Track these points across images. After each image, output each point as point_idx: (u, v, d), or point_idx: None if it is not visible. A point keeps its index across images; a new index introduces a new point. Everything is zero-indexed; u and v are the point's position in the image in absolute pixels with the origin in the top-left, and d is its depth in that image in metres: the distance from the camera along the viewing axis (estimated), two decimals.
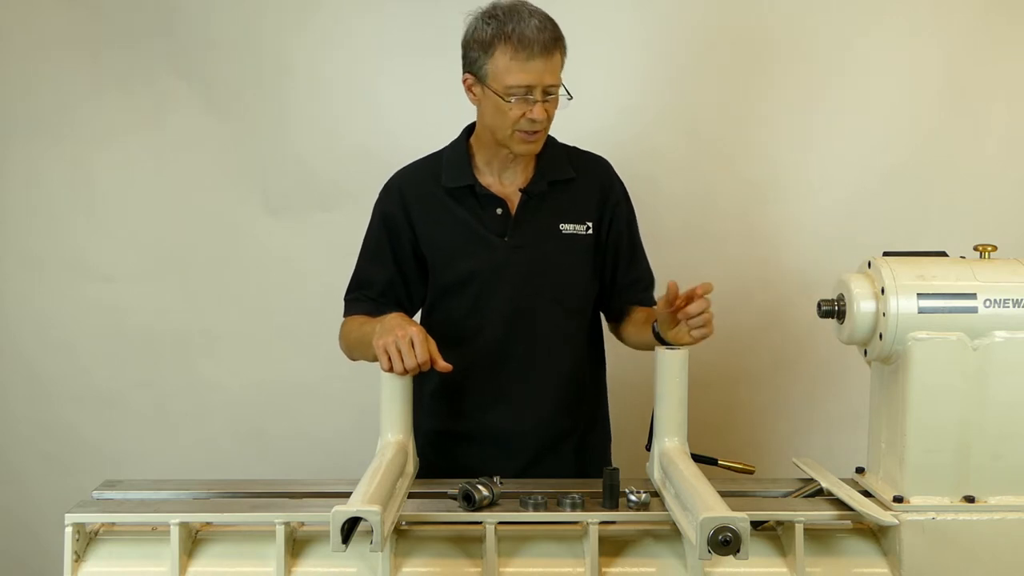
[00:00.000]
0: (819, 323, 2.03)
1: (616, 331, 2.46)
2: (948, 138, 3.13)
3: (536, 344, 2.31)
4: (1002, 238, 2.01)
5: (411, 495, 1.95)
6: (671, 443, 1.98)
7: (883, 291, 1.86)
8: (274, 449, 3.21)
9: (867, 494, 1.94)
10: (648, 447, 2.06)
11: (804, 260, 3.14)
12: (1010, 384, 1.85)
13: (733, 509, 1.63)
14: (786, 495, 2.02)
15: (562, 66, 2.20)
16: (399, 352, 1.99)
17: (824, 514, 1.89)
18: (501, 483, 1.90)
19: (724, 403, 3.17)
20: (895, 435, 1.90)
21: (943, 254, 1.96)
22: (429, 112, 3.05)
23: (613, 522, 1.89)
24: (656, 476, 1.98)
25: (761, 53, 3.15)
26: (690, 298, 2.03)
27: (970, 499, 1.85)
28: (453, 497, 1.89)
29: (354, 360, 2.31)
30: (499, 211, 2.29)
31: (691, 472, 1.85)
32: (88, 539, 1.89)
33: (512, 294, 2.29)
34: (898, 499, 1.86)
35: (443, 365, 2.03)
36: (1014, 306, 1.84)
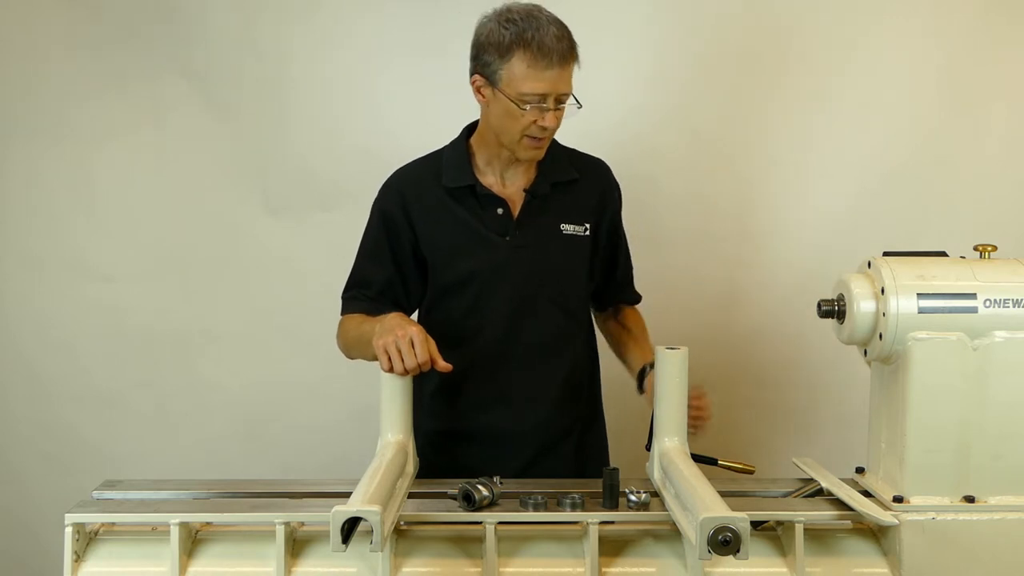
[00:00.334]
0: (819, 323, 2.03)
1: (599, 320, 2.52)
2: (948, 138, 3.14)
3: (536, 344, 2.31)
4: (1002, 238, 2.01)
5: (411, 495, 1.95)
6: (671, 443, 1.98)
7: (883, 291, 1.86)
8: (274, 449, 3.21)
9: (867, 494, 1.94)
10: (648, 447, 2.06)
11: (804, 260, 3.14)
12: (1010, 384, 1.85)
13: (733, 509, 1.63)
14: (786, 495, 2.02)
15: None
16: (399, 352, 1.99)
17: (824, 514, 1.89)
18: (501, 483, 1.90)
19: (724, 403, 3.16)
20: (895, 435, 1.90)
21: (943, 254, 1.95)
22: (429, 112, 3.05)
23: (613, 522, 1.89)
24: (656, 476, 1.98)
25: (761, 53, 3.15)
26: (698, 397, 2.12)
27: (970, 499, 1.85)
28: (453, 497, 1.89)
29: (352, 359, 2.31)
30: (500, 211, 2.29)
31: (691, 472, 1.85)
32: (88, 539, 1.88)
33: (512, 294, 2.29)
34: (898, 499, 1.86)
35: (443, 365, 2.03)
36: (1014, 306, 1.84)
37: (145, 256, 3.21)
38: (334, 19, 3.15)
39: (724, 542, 1.58)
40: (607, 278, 2.44)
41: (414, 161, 2.39)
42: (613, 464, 2.06)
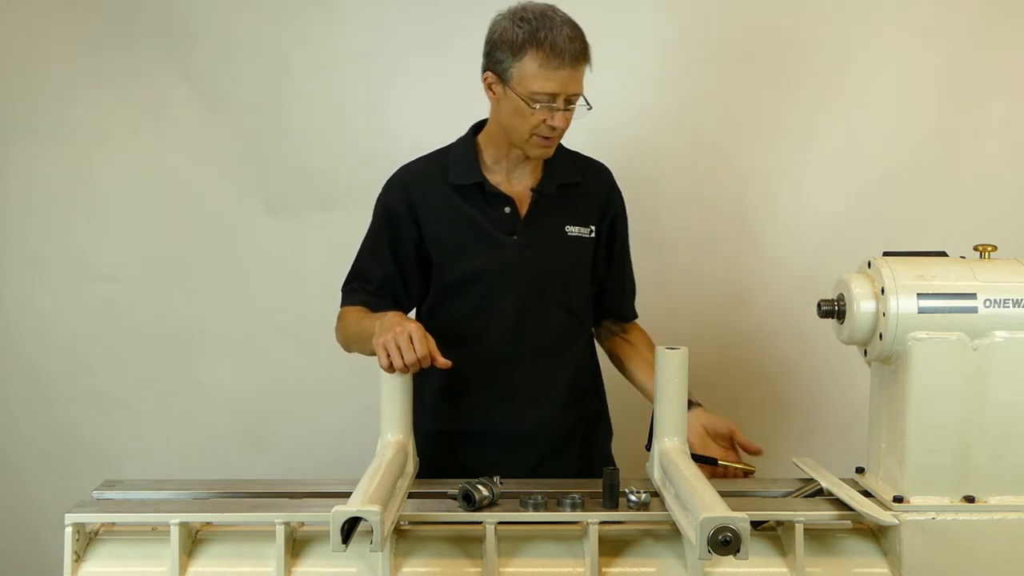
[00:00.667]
0: (819, 323, 2.03)
1: (602, 337, 2.50)
2: (948, 138, 3.13)
3: (541, 344, 2.31)
4: (1002, 238, 2.01)
5: (411, 495, 1.95)
6: (671, 443, 1.98)
7: (883, 291, 1.86)
8: (274, 449, 3.21)
9: (867, 494, 1.93)
10: (648, 447, 2.06)
11: (804, 260, 3.14)
12: (1010, 384, 1.85)
13: (733, 509, 1.62)
14: (786, 495, 2.02)
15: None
16: (398, 349, 1.99)
17: (824, 514, 1.89)
18: (501, 483, 1.90)
19: (724, 403, 3.16)
20: (895, 435, 1.90)
21: (943, 254, 1.95)
22: (429, 112, 3.05)
23: (613, 522, 1.89)
24: (656, 476, 1.98)
25: (761, 54, 3.15)
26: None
27: (970, 499, 1.85)
28: (453, 497, 1.89)
29: (350, 352, 2.30)
30: (507, 210, 2.29)
31: (691, 472, 1.85)
32: (88, 539, 1.88)
33: (518, 294, 2.29)
34: (898, 499, 1.86)
35: (443, 361, 2.02)
36: (1014, 306, 1.84)
37: (145, 256, 3.21)
38: (334, 19, 3.15)
39: (724, 542, 1.58)
40: (606, 284, 2.43)
41: (419, 158, 2.39)
42: (615, 460, 2.07)
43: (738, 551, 1.58)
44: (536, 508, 1.85)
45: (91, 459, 3.14)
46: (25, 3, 3.13)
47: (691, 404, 2.23)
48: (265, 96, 3.17)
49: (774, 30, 3.14)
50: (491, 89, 2.23)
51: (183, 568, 1.84)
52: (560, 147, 2.34)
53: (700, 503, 1.67)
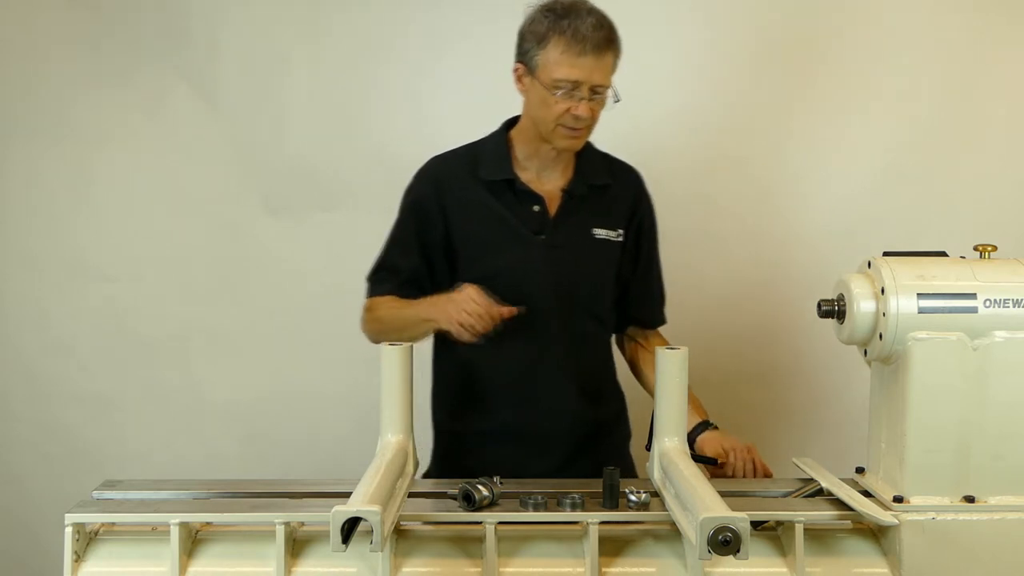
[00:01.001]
0: (819, 323, 2.03)
1: (621, 345, 2.49)
2: (948, 138, 3.13)
3: (564, 345, 2.29)
4: (1002, 238, 2.01)
5: (411, 495, 1.95)
6: (671, 443, 1.98)
7: (883, 291, 1.86)
8: (274, 449, 3.21)
9: (867, 494, 1.93)
10: (648, 447, 2.06)
11: (804, 260, 3.14)
12: (1010, 384, 1.85)
13: (733, 509, 1.62)
14: (786, 495, 2.02)
15: (614, 68, 2.20)
16: (472, 317, 2.06)
17: (824, 514, 1.89)
18: (501, 483, 1.90)
19: (724, 403, 3.16)
20: (895, 435, 1.90)
21: (943, 254, 1.95)
22: (430, 112, 3.05)
23: (613, 522, 1.89)
24: (656, 476, 1.97)
25: (761, 54, 3.15)
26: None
27: (970, 499, 1.85)
28: (453, 497, 1.89)
29: (378, 342, 2.15)
30: (536, 208, 2.28)
31: (691, 472, 1.85)
32: (88, 539, 1.88)
33: (542, 292, 2.26)
34: (898, 499, 1.86)
35: (509, 309, 2.10)
36: (1014, 306, 1.84)
37: (145, 256, 3.22)
38: (334, 19, 3.15)
39: (724, 542, 1.57)
40: (631, 289, 2.41)
41: (449, 151, 2.37)
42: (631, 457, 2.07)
43: (738, 551, 1.58)
44: (536, 508, 1.85)
45: (91, 459, 3.14)
46: (25, 3, 3.13)
47: (708, 425, 2.24)
48: (265, 96, 3.17)
49: (774, 32, 3.14)
50: (520, 80, 2.23)
51: (183, 568, 1.83)
52: (592, 147, 2.33)
53: (700, 503, 1.67)
